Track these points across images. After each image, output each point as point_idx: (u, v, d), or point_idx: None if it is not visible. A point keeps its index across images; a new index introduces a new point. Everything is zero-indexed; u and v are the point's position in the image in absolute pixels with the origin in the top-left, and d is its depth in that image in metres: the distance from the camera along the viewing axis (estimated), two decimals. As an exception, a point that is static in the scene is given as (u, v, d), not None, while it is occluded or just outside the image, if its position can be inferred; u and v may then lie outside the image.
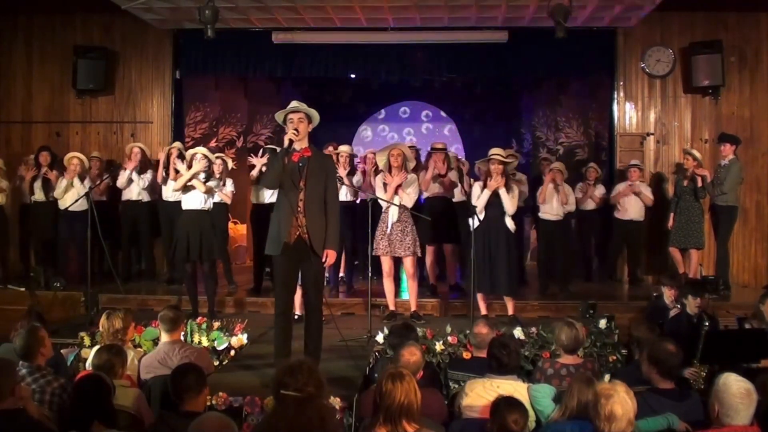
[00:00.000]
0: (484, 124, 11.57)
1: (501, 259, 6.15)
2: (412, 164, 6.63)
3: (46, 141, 8.63)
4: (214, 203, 6.63)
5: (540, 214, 7.57)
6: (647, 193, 7.87)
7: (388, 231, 6.28)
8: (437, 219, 6.80)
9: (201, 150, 6.61)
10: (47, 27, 8.92)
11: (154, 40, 8.84)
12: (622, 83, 8.59)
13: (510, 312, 6.30)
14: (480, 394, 3.58)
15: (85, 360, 4.63)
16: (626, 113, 8.62)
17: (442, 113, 12.18)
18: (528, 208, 8.09)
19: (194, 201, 6.41)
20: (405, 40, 8.51)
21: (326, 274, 7.83)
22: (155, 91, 8.92)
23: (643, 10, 7.71)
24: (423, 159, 8.13)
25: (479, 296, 6.21)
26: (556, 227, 7.49)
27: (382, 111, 12.21)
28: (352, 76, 9.56)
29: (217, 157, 7.02)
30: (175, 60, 8.89)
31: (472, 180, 7.47)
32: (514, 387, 3.63)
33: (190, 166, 6.50)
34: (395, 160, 6.31)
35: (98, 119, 8.93)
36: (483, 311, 6.25)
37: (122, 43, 8.91)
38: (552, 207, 7.43)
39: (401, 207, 6.23)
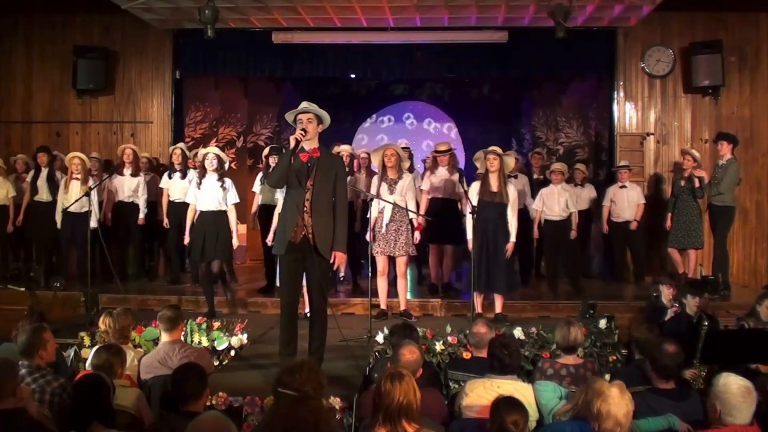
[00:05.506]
0: (484, 124, 11.55)
1: (499, 259, 6.16)
2: (406, 164, 6.71)
3: (46, 141, 8.60)
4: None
5: (544, 216, 7.56)
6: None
7: (383, 231, 6.33)
8: (440, 220, 6.81)
9: (213, 150, 6.60)
10: (47, 27, 8.93)
11: (154, 40, 8.85)
12: (622, 83, 8.60)
13: (498, 310, 6.32)
14: (480, 394, 3.58)
15: (85, 360, 4.63)
16: (626, 113, 8.62)
17: (443, 113, 12.17)
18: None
19: (211, 202, 6.42)
20: (405, 40, 8.52)
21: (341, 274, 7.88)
22: (155, 91, 8.93)
23: (643, 10, 7.71)
24: (418, 159, 8.13)
25: (475, 294, 6.23)
26: (559, 227, 7.50)
27: (383, 111, 12.20)
28: (352, 76, 9.55)
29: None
30: (175, 60, 8.90)
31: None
32: (515, 387, 3.63)
33: (202, 166, 6.50)
34: (389, 160, 6.41)
35: (98, 119, 8.94)
36: (478, 309, 6.27)
37: (122, 43, 8.91)
38: (555, 207, 7.43)
39: (395, 206, 6.26)
